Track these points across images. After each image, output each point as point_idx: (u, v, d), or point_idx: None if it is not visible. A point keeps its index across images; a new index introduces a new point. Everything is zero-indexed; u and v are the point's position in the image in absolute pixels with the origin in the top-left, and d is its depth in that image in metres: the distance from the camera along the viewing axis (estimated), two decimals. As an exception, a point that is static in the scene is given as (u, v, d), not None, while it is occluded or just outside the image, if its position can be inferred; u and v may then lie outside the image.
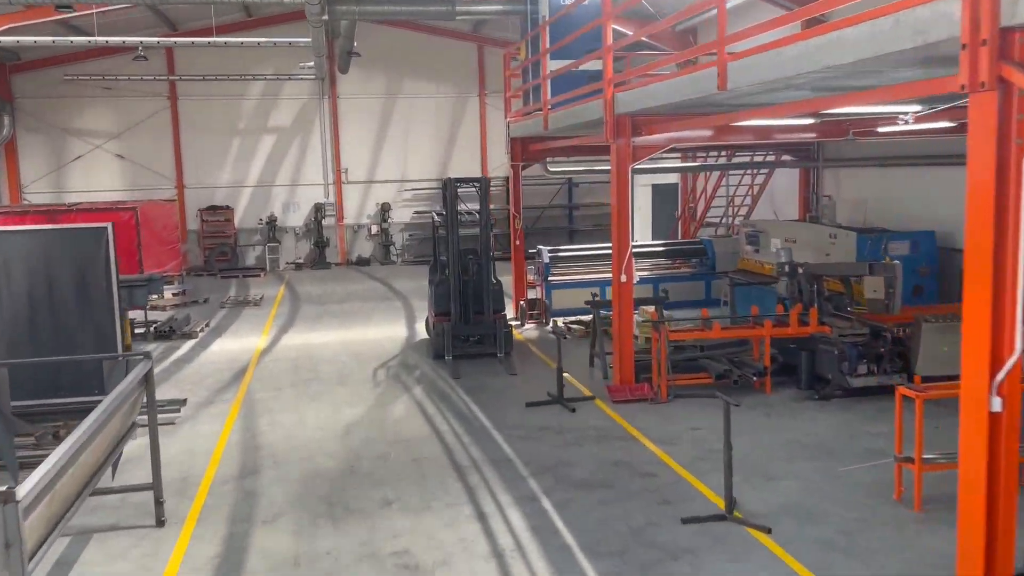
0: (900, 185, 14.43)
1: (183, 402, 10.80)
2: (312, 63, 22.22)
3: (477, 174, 28.01)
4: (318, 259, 27.18)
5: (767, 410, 10.03)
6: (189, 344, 15.13)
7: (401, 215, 28.17)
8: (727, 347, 11.39)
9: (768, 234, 15.22)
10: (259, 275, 25.29)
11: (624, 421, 9.73)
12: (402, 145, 28.10)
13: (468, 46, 28.22)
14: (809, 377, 10.76)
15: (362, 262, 27.55)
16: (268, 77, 25.74)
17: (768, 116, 9.56)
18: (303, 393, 11.55)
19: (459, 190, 13.48)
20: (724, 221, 20.71)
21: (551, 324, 16.05)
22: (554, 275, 16.86)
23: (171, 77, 25.73)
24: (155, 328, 15.47)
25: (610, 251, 18.42)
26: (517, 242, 16.76)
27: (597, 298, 13.04)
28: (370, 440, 9.40)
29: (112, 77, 24.92)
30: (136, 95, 26.00)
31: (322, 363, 13.38)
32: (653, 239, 28.51)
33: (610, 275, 17.53)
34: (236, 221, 27.11)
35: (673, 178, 28.68)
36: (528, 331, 15.63)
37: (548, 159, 16.86)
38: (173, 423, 10.18)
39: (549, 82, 13.55)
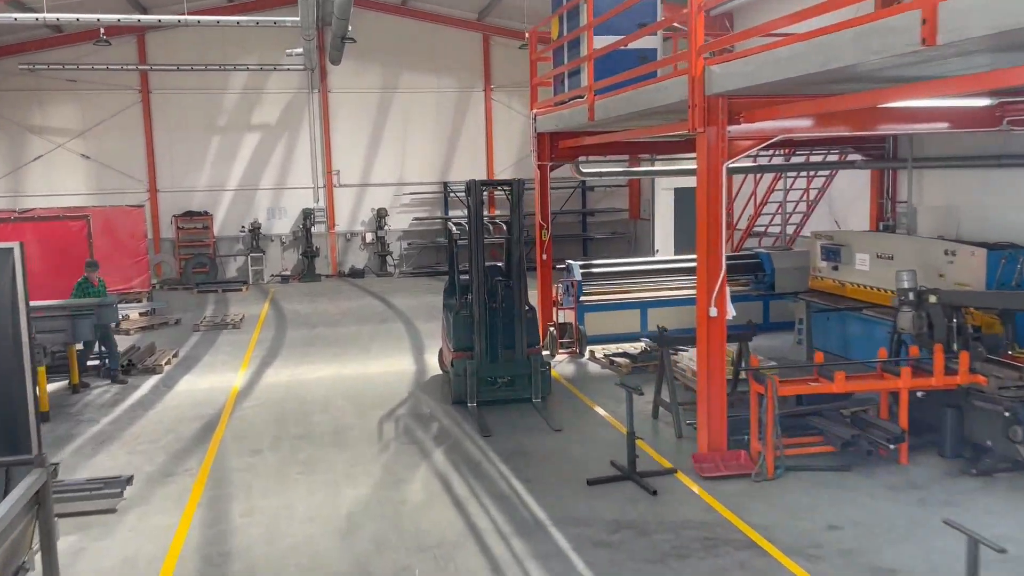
0: (1005, 190, 11.87)
1: (128, 481, 8.12)
2: (300, 49, 19.56)
3: (482, 176, 25.44)
4: (307, 271, 24.50)
5: (917, 493, 7.46)
6: (151, 382, 12.45)
7: (399, 222, 25.53)
8: (837, 400, 8.83)
9: (851, 247, 12.67)
10: (241, 289, 22.59)
11: (729, 512, 7.13)
12: (400, 144, 25.47)
13: (472, 36, 25.62)
14: (955, 442, 8.21)
15: (356, 274, 24.90)
16: (251, 67, 23.05)
17: (934, 93, 6.98)
18: (290, 459, 8.91)
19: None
20: (781, 231, 18.11)
21: (586, 353, 13.46)
22: (586, 294, 14.28)
23: (141, 67, 22.99)
24: (108, 362, 12.75)
25: (652, 266, 16.07)
26: (544, 256, 14.12)
27: (665, 331, 10.42)
28: (383, 542, 6.77)
29: (72, 65, 22.16)
30: (103, 88, 23.25)
31: (313, 410, 10.73)
32: (676, 251, 26.02)
33: (654, 295, 15.22)
34: (215, 229, 24.40)
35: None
36: (561, 364, 13.02)
37: (580, 159, 14.28)
38: (114, 510, 7.54)
39: (590, 64, 11.01)
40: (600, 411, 10.38)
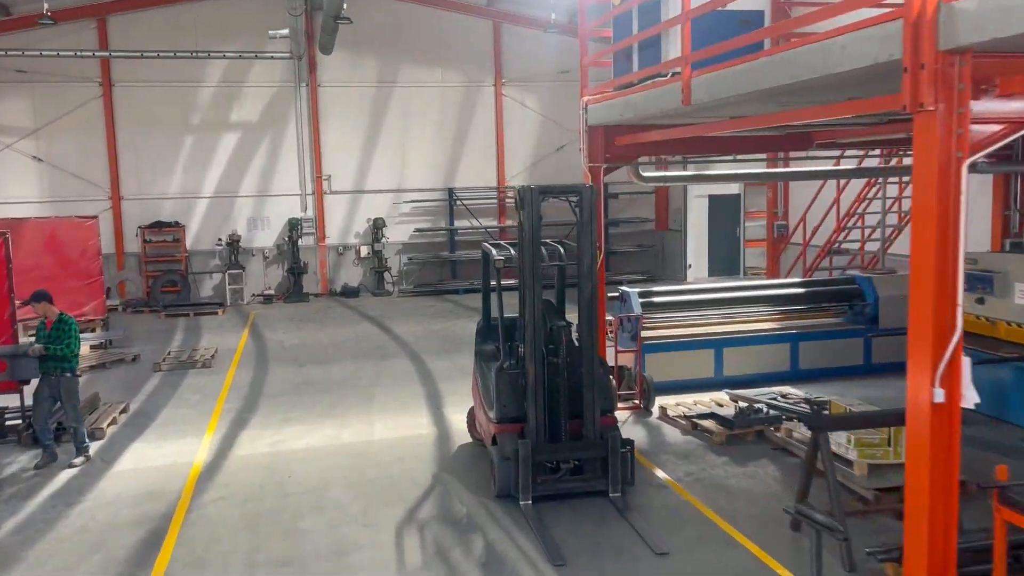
0: None
1: None
2: (286, 31, 16.53)
3: (492, 182, 22.47)
4: (293, 290, 21.42)
5: None
6: (84, 455, 9.36)
7: (398, 233, 22.49)
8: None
9: (1007, 274, 9.75)
10: (217, 312, 19.48)
11: None
12: (399, 146, 22.45)
13: (481, 23, 22.65)
14: None
15: (349, 293, 21.83)
16: (229, 54, 19.94)
17: None
18: (268, 612, 5.86)
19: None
20: (860, 249, 15.19)
21: (655, 409, 10.47)
22: (646, 328, 11.31)
23: (100, 53, 19.83)
24: (31, 425, 9.64)
25: (725, 294, 12.82)
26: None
27: (822, 406, 7.46)
28: None
29: (17, 52, 19.01)
30: (58, 79, 20.14)
31: (302, 510, 7.68)
32: (711, 267, 23.08)
33: (731, 331, 11.63)
34: (188, 242, 21.29)
35: (734, 187, 23.31)
36: (624, 425, 10.00)
37: (641, 160, 11.31)
38: None
39: (686, 27, 8.07)
40: (709, 513, 7.38)
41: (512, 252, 8.36)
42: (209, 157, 21.41)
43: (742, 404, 9.95)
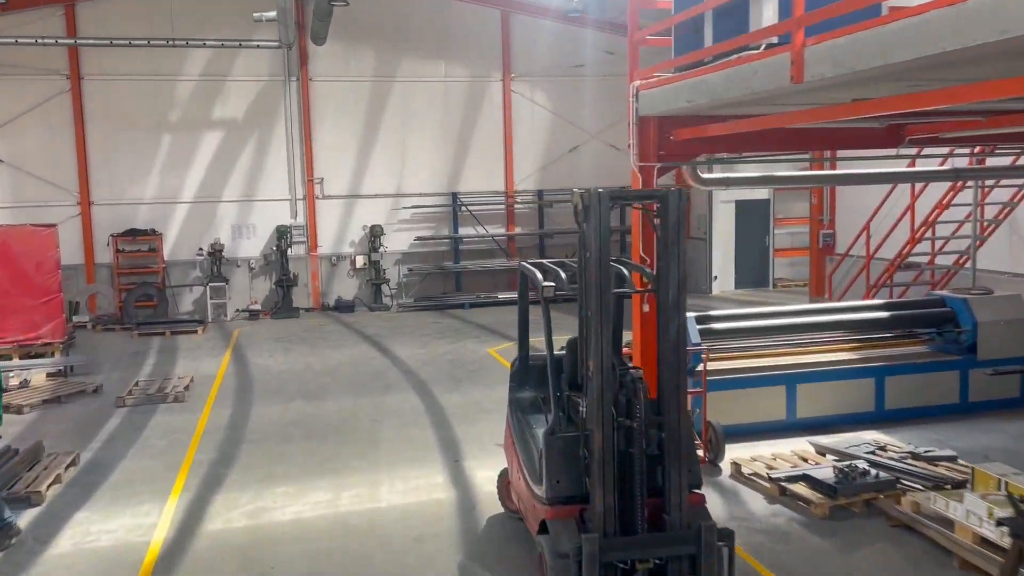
0: None
1: None
2: (273, 13, 14.58)
3: (499, 186, 20.55)
4: (282, 304, 19.43)
5: None
6: (7, 535, 7.36)
7: (397, 242, 20.53)
8: None
9: None
10: (196, 330, 17.47)
11: None
12: (398, 147, 20.51)
13: (489, 13, 20.74)
14: None
15: (343, 307, 19.85)
16: (210, 43, 17.92)
17: None
18: None
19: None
20: (930, 263, 13.31)
21: (725, 464, 8.53)
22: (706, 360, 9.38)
23: (64, 41, 17.77)
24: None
25: (795, 319, 10.14)
26: (646, 307, 9.11)
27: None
28: None
29: (-30, 39, 17.05)
30: (21, 72, 18.12)
31: (290, 622, 5.71)
32: (737, 279, 21.23)
33: (804, 363, 9.54)
34: (165, 251, 19.29)
35: (762, 192, 21.47)
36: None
37: (701, 158, 9.42)
38: None
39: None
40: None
41: (562, 275, 6.42)
42: (189, 158, 19.43)
43: (836, 460, 8.05)
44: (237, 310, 19.39)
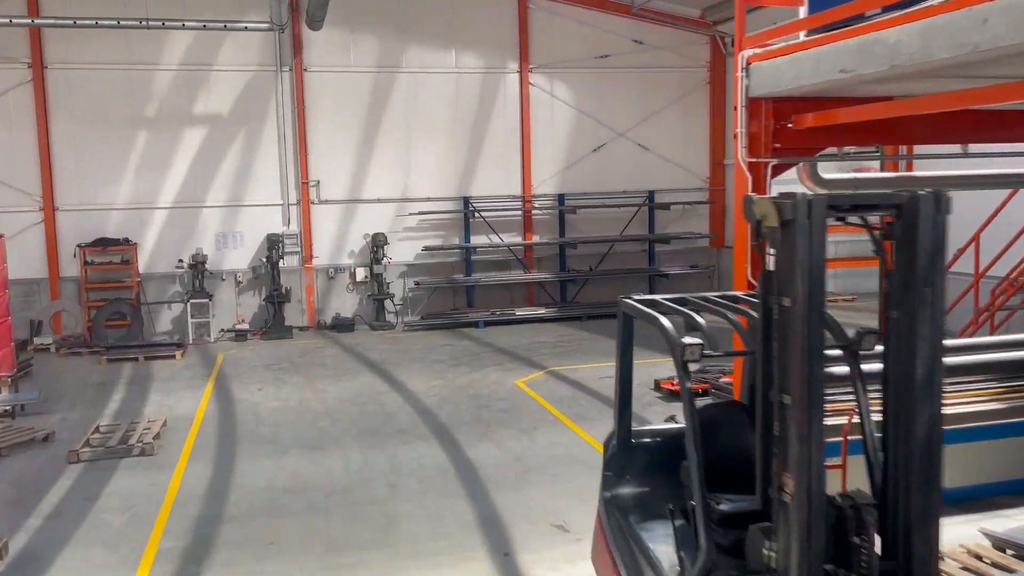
0: None
1: None
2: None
3: (516, 190, 18.42)
4: (273, 323, 17.21)
5: None
6: None
7: (402, 252, 18.35)
8: None
9: None
10: (174, 355, 15.23)
11: None
12: (403, 145, 18.33)
13: (504, -4, 18.66)
14: None
15: (342, 326, 17.63)
16: (191, 24, 15.59)
17: None
18: None
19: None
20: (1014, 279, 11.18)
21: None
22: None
23: (19, 20, 15.44)
24: None
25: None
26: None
27: None
28: None
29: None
30: (-27, 59, 15.93)
31: None
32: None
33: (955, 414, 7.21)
34: (141, 264, 17.05)
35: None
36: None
37: (824, 152, 7.28)
38: None
39: None
40: None
41: (699, 321, 4.25)
42: (167, 158, 17.20)
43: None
44: (222, 330, 17.16)
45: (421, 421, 10.66)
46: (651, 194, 19.43)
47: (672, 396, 11.21)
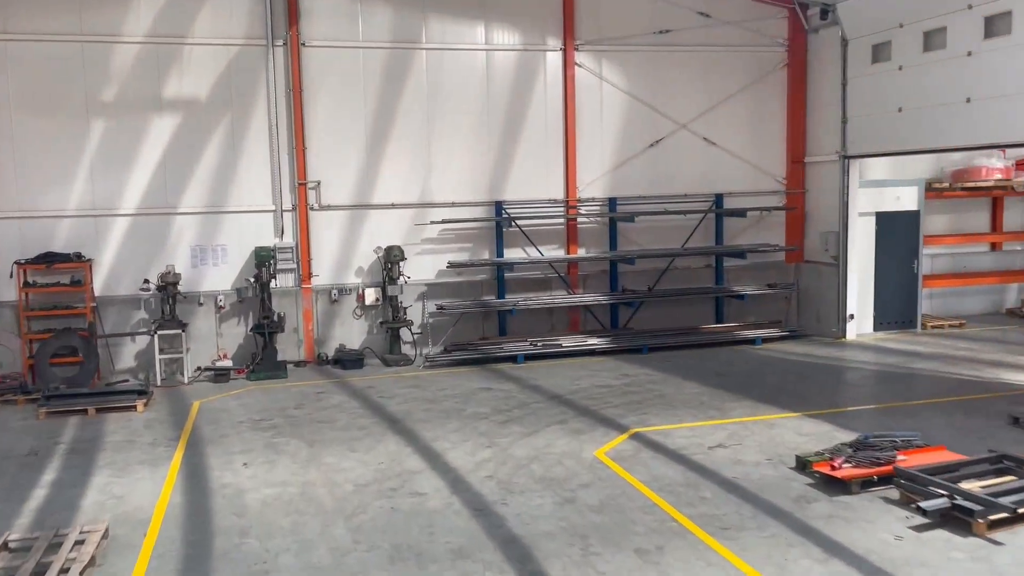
0: None
1: None
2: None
3: (557, 192, 15.22)
4: (262, 358, 13.81)
5: None
6: None
7: (421, 268, 15.02)
8: None
9: None
10: (135, 405, 11.80)
11: None
12: (422, 138, 15.00)
13: (545, -43, 15.36)
14: None
15: (348, 360, 14.26)
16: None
17: None
18: None
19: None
20: None
21: None
22: None
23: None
24: None
25: None
26: None
27: None
28: None
29: None
30: None
31: None
32: (877, 320, 15.92)
33: None
34: (96, 285, 13.64)
35: (910, 200, 16.15)
36: None
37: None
38: None
39: None
40: None
41: None
42: (131, 154, 13.82)
43: None
44: (199, 368, 13.76)
45: (482, 531, 7.28)
46: (718, 198, 16.14)
47: (833, 486, 7.89)
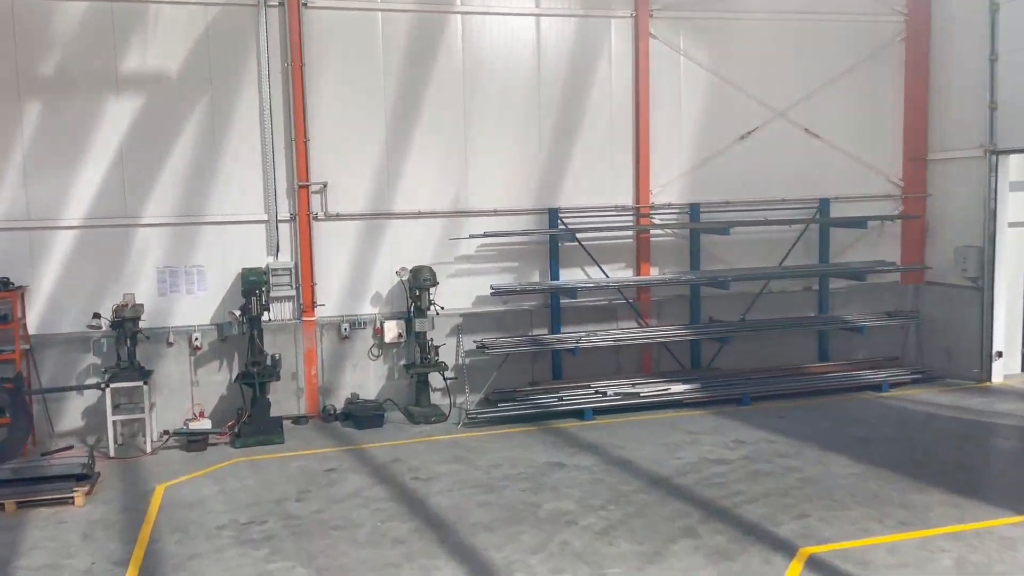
0: None
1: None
2: None
3: (625, 198, 11.91)
4: (252, 415, 10.45)
5: None
6: None
7: (455, 296, 11.71)
8: None
9: None
10: (73, 495, 8.42)
11: None
12: (456, 129, 11.69)
13: (612, -102, 12.07)
14: None
15: (363, 417, 10.92)
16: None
17: None
18: None
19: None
20: None
21: None
22: None
23: None
24: None
25: None
26: None
27: None
28: None
29: None
30: None
31: None
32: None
33: None
34: (31, 320, 10.28)
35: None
36: None
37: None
38: None
39: None
40: None
41: None
42: (79, 147, 10.46)
43: None
44: (166, 432, 10.37)
45: None
46: (824, 203, 12.92)
47: None
